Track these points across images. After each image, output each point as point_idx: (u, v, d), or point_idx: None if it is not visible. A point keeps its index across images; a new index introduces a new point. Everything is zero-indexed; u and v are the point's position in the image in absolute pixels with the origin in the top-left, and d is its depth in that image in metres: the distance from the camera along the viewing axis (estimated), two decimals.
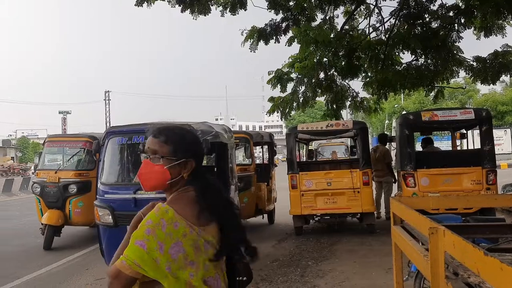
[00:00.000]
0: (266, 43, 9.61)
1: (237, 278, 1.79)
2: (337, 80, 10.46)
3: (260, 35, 9.48)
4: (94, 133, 9.23)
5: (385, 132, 20.95)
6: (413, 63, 10.22)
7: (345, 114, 20.47)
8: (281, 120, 13.59)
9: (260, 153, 13.58)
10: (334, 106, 10.61)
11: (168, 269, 1.47)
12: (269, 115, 12.02)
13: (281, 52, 11.20)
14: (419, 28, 9.64)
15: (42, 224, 8.04)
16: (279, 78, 9.89)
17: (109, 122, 45.18)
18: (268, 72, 10.16)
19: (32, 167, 34.64)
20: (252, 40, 9.52)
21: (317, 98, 11.40)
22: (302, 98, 10.12)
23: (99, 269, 6.20)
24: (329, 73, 10.17)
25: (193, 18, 9.14)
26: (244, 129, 55.77)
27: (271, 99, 10.40)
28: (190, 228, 1.53)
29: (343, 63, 9.95)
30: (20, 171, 36.70)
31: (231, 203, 1.75)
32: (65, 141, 9.36)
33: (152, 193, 4.98)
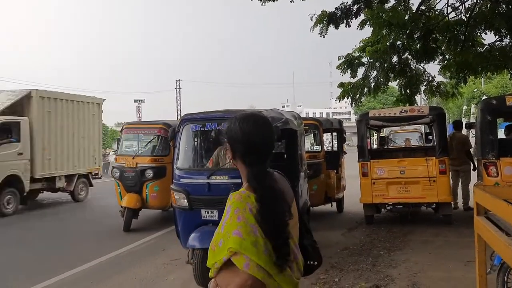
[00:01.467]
0: (336, 27, 9.37)
1: (308, 262, 1.78)
2: (412, 63, 10.00)
3: (330, 19, 9.26)
4: (168, 120, 9.59)
5: (461, 118, 19.71)
6: (496, 44, 9.49)
7: (419, 99, 19.55)
8: (351, 106, 13.25)
9: (327, 140, 13.38)
10: (408, 91, 10.17)
11: (265, 252, 1.48)
12: (338, 101, 11.77)
13: (351, 36, 10.89)
14: (503, 6, 8.91)
15: (121, 206, 8.53)
16: (349, 63, 9.64)
17: (180, 110, 46.79)
18: (338, 57, 9.94)
19: (110, 153, 36.81)
20: (321, 24, 9.33)
21: (390, 83, 10.99)
22: (373, 83, 9.81)
23: (175, 250, 6.48)
24: (402, 57, 9.74)
25: (262, 4, 9.13)
26: (311, 115, 55.25)
27: (341, 85, 10.17)
28: None
29: (418, 45, 9.47)
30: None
31: (286, 225, 1.56)
32: (141, 128, 9.81)
33: (225, 178, 5.12)
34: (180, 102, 47.74)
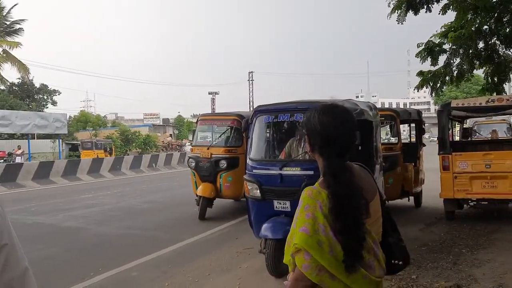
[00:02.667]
0: (416, 13, 8.89)
1: (393, 262, 1.70)
2: (500, 49, 9.24)
3: (409, 4, 8.80)
4: (241, 111, 9.73)
5: None
6: None
7: (508, 88, 18.07)
8: (430, 96, 12.57)
9: (404, 132, 12.82)
10: (495, 79, 9.43)
11: (330, 253, 1.43)
12: (417, 91, 11.19)
13: (432, 22, 10.28)
14: None
15: (196, 195, 8.83)
16: (429, 50, 9.12)
17: (252, 102, 47.39)
18: (417, 44, 9.44)
19: (186, 143, 38.30)
20: (399, 11, 8.90)
21: (474, 71, 10.25)
22: (456, 71, 9.22)
23: (248, 239, 6.59)
24: (490, 42, 9.04)
25: None
26: (387, 106, 53.34)
27: (420, 73, 9.67)
28: None
29: (507, 30, 8.72)
30: (177, 146, 40.89)
31: (360, 220, 1.49)
32: (215, 119, 10.04)
33: (297, 169, 5.10)
34: (252, 94, 48.35)
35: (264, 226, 5.10)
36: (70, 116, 41.18)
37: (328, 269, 1.43)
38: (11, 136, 29.30)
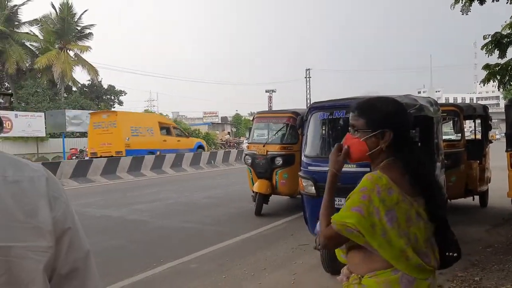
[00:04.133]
0: (481, 2, 8.44)
1: (447, 254, 1.69)
2: None
3: None
4: (297, 109, 9.75)
5: None
6: None
7: None
8: (498, 90, 11.85)
9: (470, 128, 12.20)
10: None
11: (383, 236, 1.48)
12: (483, 85, 10.61)
13: (500, 12, 9.69)
14: None
15: (253, 192, 8.98)
16: (497, 42, 8.60)
17: (309, 99, 47.04)
18: (483, 36, 8.95)
19: (244, 141, 38.77)
20: (464, 0, 8.49)
21: None
22: None
23: (303, 235, 6.63)
24: None
25: None
26: (451, 101, 50.71)
27: (486, 66, 9.13)
28: (403, 196, 1.52)
29: None
30: (235, 144, 41.54)
31: (436, 179, 1.68)
32: (271, 117, 10.14)
33: (353, 166, 5.04)
34: (309, 91, 47.99)
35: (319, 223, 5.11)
36: None
37: (378, 250, 1.47)
38: (82, 135, 31.20)
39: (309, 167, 5.51)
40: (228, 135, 47.29)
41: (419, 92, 74.93)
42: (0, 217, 0.84)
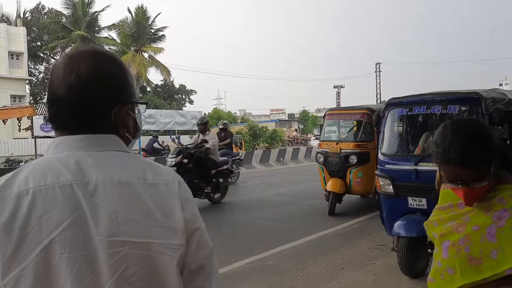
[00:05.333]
0: None
1: None
2: None
3: None
4: (371, 105, 9.52)
5: None
6: None
7: None
8: None
9: None
10: None
11: None
12: None
13: None
14: None
15: (326, 191, 8.91)
16: None
17: (380, 94, 45.69)
18: None
19: (312, 138, 38.51)
20: None
21: None
22: None
23: (380, 235, 6.50)
24: None
25: None
26: None
27: None
28: None
29: None
30: (302, 141, 41.40)
31: None
32: (344, 113, 9.96)
33: (434, 165, 4.86)
34: (380, 86, 46.61)
35: (397, 223, 4.97)
36: (204, 113, 44.40)
37: None
38: (156, 133, 32.79)
39: (387, 166, 5.37)
40: (296, 132, 47.22)
41: (500, 85, 69.90)
42: (142, 216, 0.94)
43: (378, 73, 47.07)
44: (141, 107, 1.11)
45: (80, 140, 0.97)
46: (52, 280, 0.86)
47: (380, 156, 5.56)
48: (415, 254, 4.87)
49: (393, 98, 5.80)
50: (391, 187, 5.21)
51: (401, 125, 6.03)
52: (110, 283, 0.89)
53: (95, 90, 0.98)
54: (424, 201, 4.90)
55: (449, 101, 5.01)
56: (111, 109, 1.00)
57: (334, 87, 50.51)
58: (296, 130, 50.09)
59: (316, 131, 44.52)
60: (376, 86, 46.68)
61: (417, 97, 5.45)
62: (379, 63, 47.49)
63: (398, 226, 4.95)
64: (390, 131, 5.80)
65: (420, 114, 5.54)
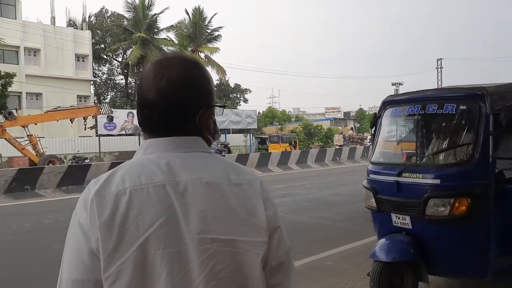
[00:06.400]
0: None
1: None
2: None
3: None
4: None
5: None
6: None
7: None
8: None
9: None
10: None
11: None
12: None
13: None
14: None
15: None
16: None
17: None
18: None
19: (368, 136, 37.64)
20: None
21: None
22: None
23: None
24: None
25: None
26: None
27: None
28: None
29: None
30: (358, 140, 40.58)
31: None
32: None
33: (419, 176, 3.90)
34: (441, 83, 44.70)
35: (379, 243, 4.12)
36: (258, 112, 44.73)
37: None
38: None
39: (371, 175, 4.49)
40: (351, 131, 46.40)
41: None
42: (228, 215, 0.97)
43: (439, 69, 45.17)
44: (219, 110, 1.15)
45: (169, 142, 1.02)
46: (148, 274, 0.91)
47: (368, 165, 4.70)
48: (394, 284, 3.99)
49: (391, 95, 4.90)
50: (373, 200, 4.35)
51: (395, 127, 5.01)
52: (200, 278, 0.93)
53: (183, 95, 1.03)
54: (408, 219, 4.01)
55: (447, 99, 4.07)
56: (196, 113, 1.04)
57: (392, 84, 49.05)
58: (352, 128, 49.23)
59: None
60: (438, 83, 44.80)
61: (415, 94, 4.46)
62: (440, 59, 45.59)
63: (379, 247, 4.09)
64: (383, 134, 4.79)
65: (414, 115, 4.43)
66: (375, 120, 4.76)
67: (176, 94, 1.01)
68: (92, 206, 0.92)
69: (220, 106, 1.15)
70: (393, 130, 4.97)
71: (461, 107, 3.95)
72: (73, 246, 0.93)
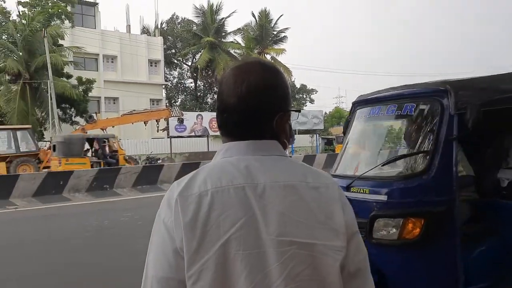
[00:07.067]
0: None
1: None
2: None
3: None
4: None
5: None
6: None
7: None
8: None
9: None
10: None
11: None
12: None
13: None
14: None
15: None
16: None
17: None
18: None
19: None
20: None
21: None
22: None
23: None
24: None
25: None
26: None
27: None
28: None
29: None
30: None
31: None
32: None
33: (366, 191, 3.26)
34: None
35: None
36: (325, 113, 44.23)
37: None
38: None
39: None
40: None
41: None
42: (306, 218, 0.98)
43: None
44: (294, 114, 1.16)
45: (247, 145, 1.04)
46: (229, 274, 0.93)
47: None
48: None
49: (362, 95, 4.09)
50: None
51: (357, 133, 4.11)
52: (279, 281, 0.94)
53: (262, 99, 1.04)
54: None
55: (409, 97, 3.38)
56: (274, 117, 1.06)
57: None
58: None
59: None
60: None
61: (383, 93, 3.70)
62: None
63: None
64: (349, 140, 4.02)
65: (375, 117, 3.76)
66: (346, 125, 4.08)
67: (255, 98, 1.03)
68: (176, 207, 0.95)
69: (296, 111, 1.16)
70: (356, 136, 4.09)
71: (421, 106, 3.30)
72: (158, 244, 0.97)
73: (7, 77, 26.32)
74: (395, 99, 3.47)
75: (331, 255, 0.98)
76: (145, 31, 41.39)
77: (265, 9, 39.25)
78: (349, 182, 3.34)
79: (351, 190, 3.30)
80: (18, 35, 26.07)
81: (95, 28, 34.25)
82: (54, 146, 16.21)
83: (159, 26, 41.09)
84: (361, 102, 3.89)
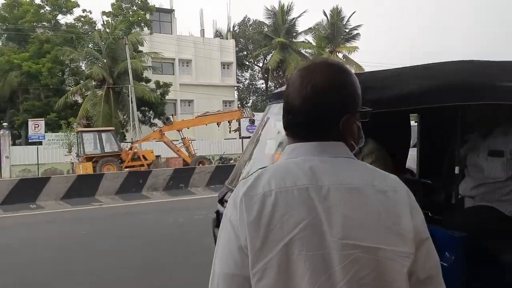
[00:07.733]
0: None
1: None
2: None
3: None
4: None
5: None
6: None
7: None
8: None
9: None
10: None
11: None
12: None
13: None
14: None
15: None
16: None
17: None
18: None
19: None
20: None
21: None
22: None
23: None
24: None
25: None
26: None
27: None
28: None
29: None
30: None
31: None
32: None
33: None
34: None
35: None
36: None
37: None
38: None
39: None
40: None
41: None
42: (372, 222, 0.95)
43: None
44: (363, 115, 1.12)
45: (314, 146, 1.04)
46: (291, 274, 0.93)
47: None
48: None
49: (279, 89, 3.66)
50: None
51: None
52: (342, 283, 0.92)
53: (327, 100, 1.03)
54: None
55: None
56: (341, 118, 1.04)
57: None
58: None
59: None
60: None
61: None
62: None
63: None
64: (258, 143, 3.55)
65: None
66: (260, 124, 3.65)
67: (320, 99, 1.02)
68: (241, 206, 0.97)
69: (365, 111, 1.11)
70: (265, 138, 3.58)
71: None
72: (224, 242, 0.99)
73: (94, 83, 28.39)
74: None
75: (398, 261, 0.95)
76: (218, 34, 42.51)
77: (336, 7, 38.63)
78: (224, 194, 3.11)
79: (223, 204, 3.02)
80: (103, 43, 27.96)
81: (171, 34, 35.80)
82: None
83: (231, 29, 42.00)
84: (272, 98, 3.53)
